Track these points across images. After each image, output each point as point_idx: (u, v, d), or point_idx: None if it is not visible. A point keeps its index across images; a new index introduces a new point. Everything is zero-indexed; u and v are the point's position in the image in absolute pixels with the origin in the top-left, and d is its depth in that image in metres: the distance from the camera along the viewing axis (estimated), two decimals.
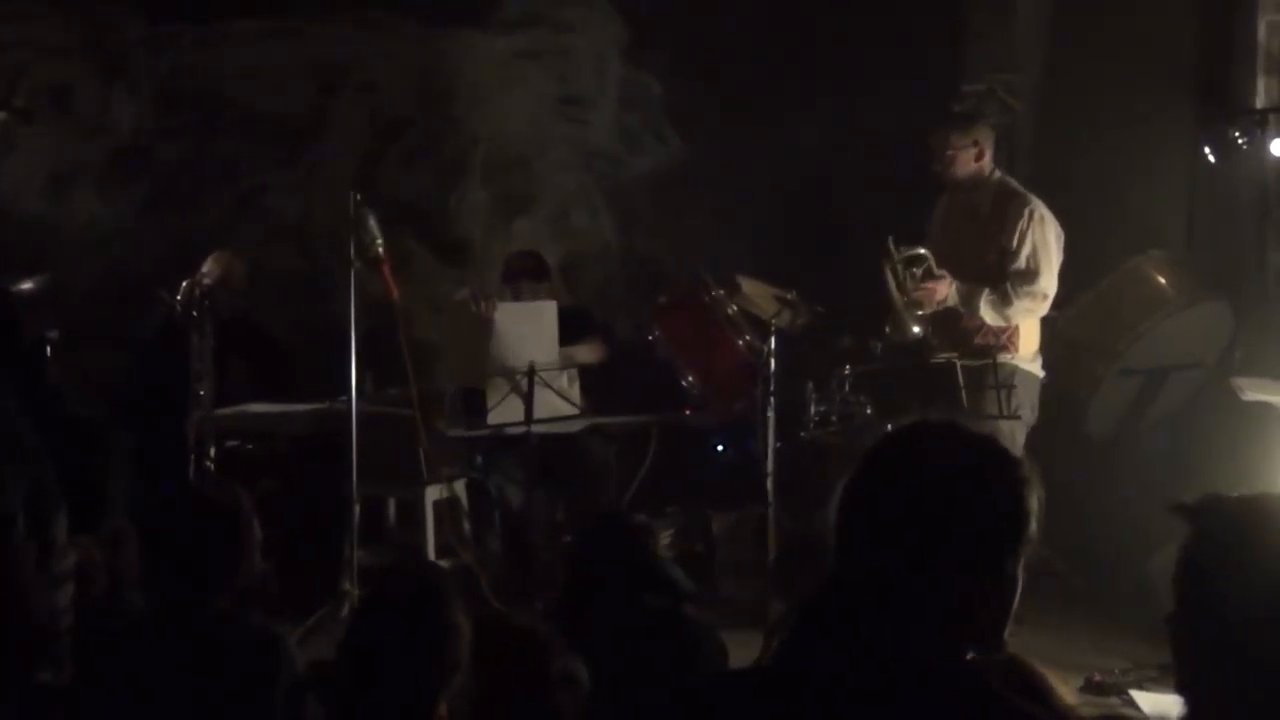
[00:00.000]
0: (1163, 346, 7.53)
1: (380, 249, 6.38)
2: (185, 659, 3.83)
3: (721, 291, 7.25)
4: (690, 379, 7.32)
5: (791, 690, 2.29)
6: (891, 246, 6.89)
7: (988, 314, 6.81)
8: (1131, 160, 8.08)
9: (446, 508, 7.34)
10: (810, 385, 7.23)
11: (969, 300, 6.81)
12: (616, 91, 9.97)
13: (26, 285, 6.81)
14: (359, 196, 6.41)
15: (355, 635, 3.62)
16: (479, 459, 7.57)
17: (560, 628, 3.62)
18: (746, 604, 6.78)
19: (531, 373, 7.10)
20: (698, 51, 9.32)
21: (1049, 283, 6.84)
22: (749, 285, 7.23)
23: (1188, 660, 2.48)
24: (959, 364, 6.77)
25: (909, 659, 2.24)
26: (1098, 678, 6.10)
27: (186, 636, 3.88)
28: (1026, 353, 6.91)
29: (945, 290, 6.84)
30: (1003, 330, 6.85)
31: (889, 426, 2.52)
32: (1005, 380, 6.73)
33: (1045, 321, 7.03)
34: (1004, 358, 6.81)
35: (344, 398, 6.48)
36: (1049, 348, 7.05)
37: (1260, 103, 7.70)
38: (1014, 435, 6.71)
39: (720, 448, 8.59)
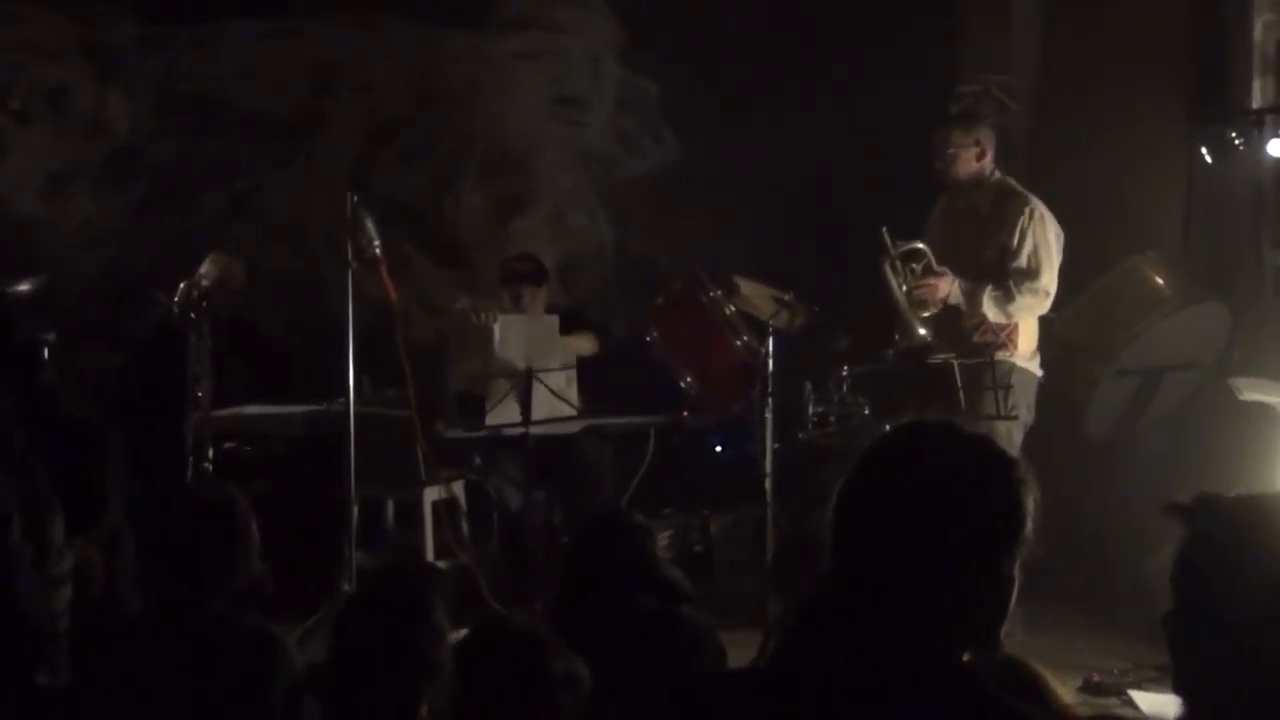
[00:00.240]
0: (1160, 347, 7.53)
1: (378, 250, 6.37)
2: (183, 660, 3.83)
3: (719, 292, 7.25)
4: (688, 380, 7.32)
5: (788, 691, 2.29)
6: (887, 239, 6.89)
7: (990, 310, 6.81)
8: (1128, 161, 8.09)
9: (445, 509, 7.34)
10: (808, 386, 7.24)
11: (972, 297, 6.81)
12: (613, 93, 9.97)
13: (23, 286, 6.80)
14: (356, 197, 6.40)
15: (338, 636, 3.63)
16: (477, 460, 7.57)
17: (558, 628, 3.62)
18: (744, 604, 6.77)
19: (529, 374, 7.10)
20: (694, 52, 9.32)
21: (1050, 280, 6.85)
22: (746, 286, 7.23)
23: (1186, 660, 2.49)
24: (956, 365, 6.77)
25: (905, 659, 2.24)
26: (1096, 678, 6.11)
27: (184, 637, 3.88)
28: (1025, 350, 6.92)
29: (947, 287, 6.84)
30: (1003, 328, 6.86)
31: (886, 427, 2.49)
32: (1003, 380, 6.73)
33: (1042, 322, 7.03)
34: (1003, 355, 6.82)
35: (341, 399, 6.48)
36: (1046, 348, 7.05)
37: (1256, 103, 7.71)
38: (1011, 435, 6.71)
39: (718, 448, 8.59)
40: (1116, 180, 8.08)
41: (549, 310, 7.74)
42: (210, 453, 7.01)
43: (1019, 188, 7.04)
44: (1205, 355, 7.63)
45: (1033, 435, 6.88)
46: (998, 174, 7.08)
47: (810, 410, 7.18)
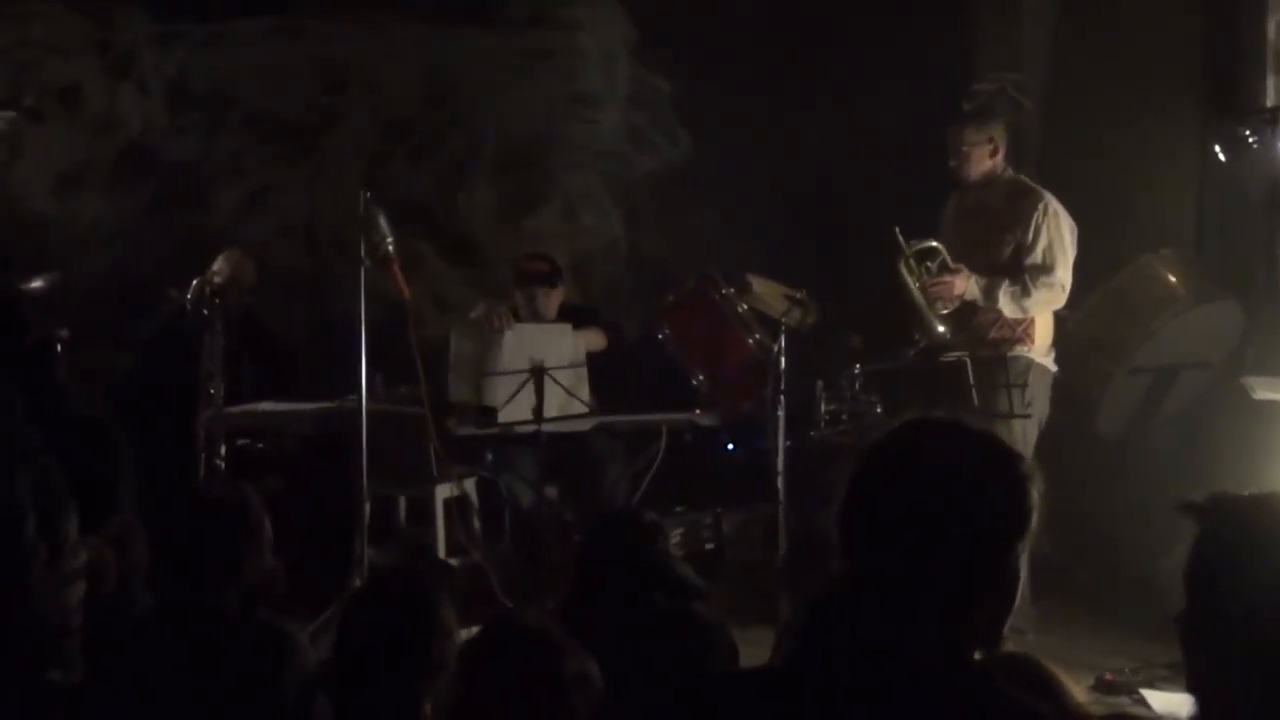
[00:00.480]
0: (1173, 345, 7.52)
1: (390, 248, 6.38)
2: (196, 657, 3.84)
3: (731, 290, 7.25)
4: (699, 378, 7.32)
5: (798, 690, 2.28)
6: (900, 238, 6.89)
7: (1007, 306, 6.81)
8: (1141, 159, 8.07)
9: (457, 506, 7.35)
10: (820, 384, 7.24)
11: (989, 293, 6.82)
12: (625, 90, 9.97)
13: (35, 284, 6.82)
14: (369, 195, 6.40)
15: (341, 632, 3.63)
16: (489, 457, 7.57)
17: (570, 627, 3.62)
18: (756, 603, 6.77)
19: (540, 371, 7.11)
20: (706, 50, 9.32)
21: (1065, 275, 6.85)
22: (759, 284, 7.23)
23: (1198, 659, 2.49)
24: (969, 362, 6.77)
25: (913, 658, 2.23)
26: (1108, 677, 6.10)
27: (197, 634, 3.89)
28: (1042, 346, 6.92)
29: (963, 284, 6.84)
30: (1019, 323, 6.86)
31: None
32: (1018, 377, 6.73)
33: (1056, 319, 7.03)
34: (1020, 350, 6.83)
35: (354, 396, 6.48)
36: (1059, 346, 7.05)
37: (1270, 101, 7.69)
38: (1026, 433, 6.71)
39: (730, 446, 8.59)
40: (1129, 178, 8.07)
41: (561, 308, 7.74)
42: (222, 450, 7.02)
43: (1032, 184, 7.04)
44: (1218, 354, 7.61)
45: (1045, 433, 6.88)
46: (1010, 171, 7.08)
47: (822, 408, 7.18)
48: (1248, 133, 7.26)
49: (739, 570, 7.67)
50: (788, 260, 7.83)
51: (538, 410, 7.11)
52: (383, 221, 6.37)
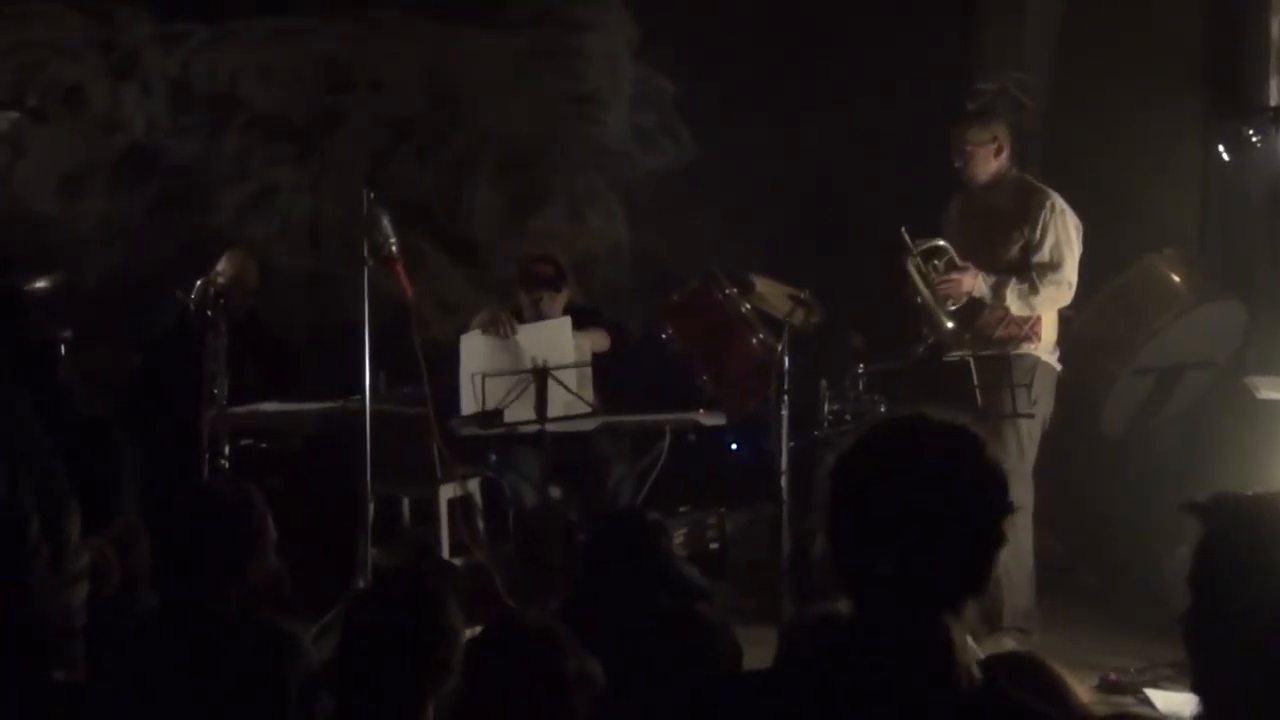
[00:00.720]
0: (1176, 345, 7.51)
1: (394, 248, 6.37)
2: (199, 657, 3.84)
3: (734, 290, 7.24)
4: (703, 378, 7.31)
5: (797, 692, 2.28)
6: (907, 238, 6.89)
7: (1014, 303, 6.81)
8: (1144, 158, 8.07)
9: (460, 506, 7.35)
10: (824, 384, 7.23)
11: (997, 290, 6.82)
12: (629, 90, 9.97)
13: (39, 284, 6.81)
14: (372, 194, 6.40)
15: (349, 633, 3.63)
16: (493, 457, 7.57)
17: (573, 626, 3.62)
18: (760, 603, 6.78)
19: (544, 370, 7.11)
20: (709, 51, 9.31)
21: (1072, 272, 6.85)
22: (762, 284, 7.22)
23: (1202, 659, 2.48)
24: (973, 362, 6.77)
25: (913, 659, 2.23)
26: (1112, 676, 6.10)
27: (200, 634, 3.88)
28: (1048, 343, 6.92)
29: (971, 281, 6.84)
30: (1026, 320, 6.85)
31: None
32: (1024, 376, 6.73)
33: (1060, 318, 7.02)
34: (1027, 348, 6.82)
35: (357, 396, 6.48)
36: (1063, 345, 7.04)
37: (1273, 100, 7.68)
38: (1030, 432, 6.71)
39: (733, 446, 8.59)
40: (1133, 178, 8.06)
41: (565, 310, 7.74)
42: (226, 450, 7.01)
43: (1038, 183, 7.04)
44: (1222, 353, 7.61)
45: (1049, 433, 6.87)
46: (1014, 170, 7.08)
47: (826, 408, 7.18)
48: (1251, 132, 7.27)
49: (743, 570, 7.67)
50: (790, 260, 7.82)
51: (541, 410, 7.11)
52: (386, 222, 6.36)
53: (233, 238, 8.80)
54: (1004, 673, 2.31)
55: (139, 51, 9.68)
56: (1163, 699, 5.72)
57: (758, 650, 4.31)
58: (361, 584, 6.29)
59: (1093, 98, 8.48)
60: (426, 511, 7.43)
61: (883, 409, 7.13)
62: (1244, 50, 7.95)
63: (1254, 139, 7.26)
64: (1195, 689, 2.51)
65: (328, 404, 7.33)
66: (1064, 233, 6.85)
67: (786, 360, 6.91)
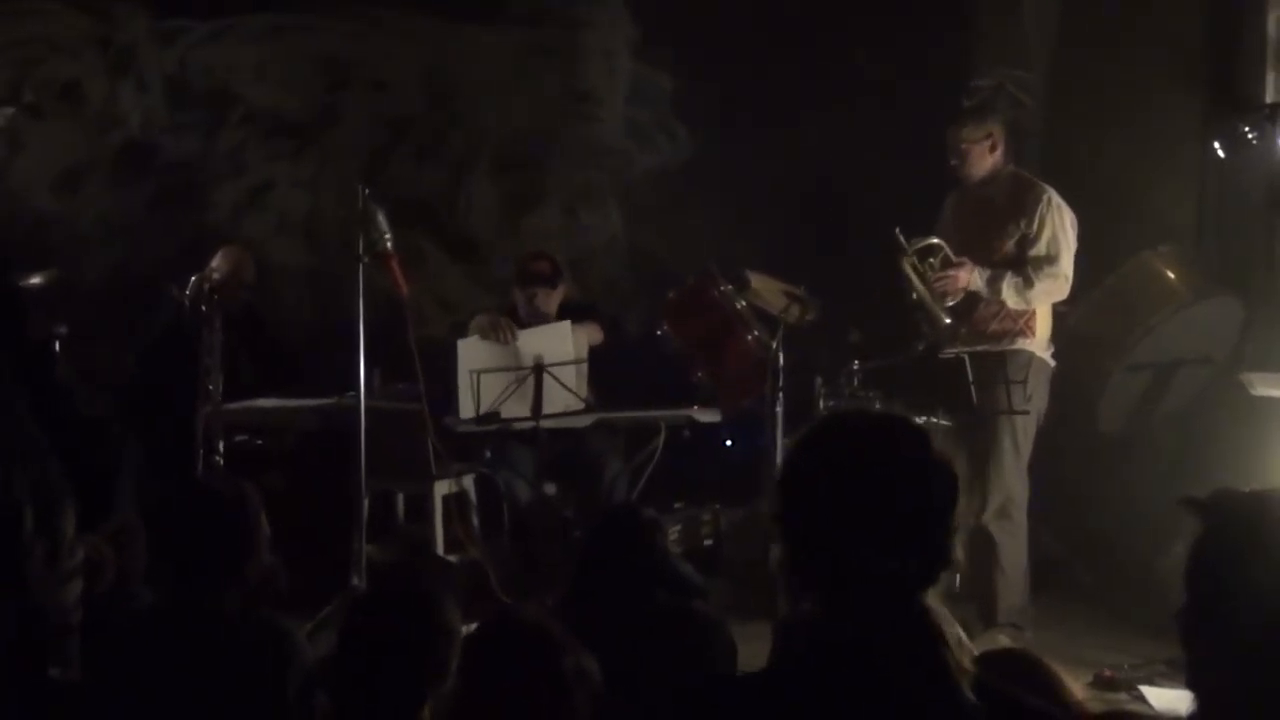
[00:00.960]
0: (1172, 341, 7.51)
1: (389, 244, 6.36)
2: (195, 654, 3.83)
3: (730, 286, 7.24)
4: (699, 374, 7.31)
5: (789, 692, 2.28)
6: (901, 239, 6.89)
7: (1010, 297, 6.80)
8: (1141, 155, 8.07)
9: (455, 503, 7.34)
10: (819, 380, 7.23)
11: (994, 284, 6.81)
12: (626, 88, 9.97)
13: (35, 281, 6.81)
14: (368, 191, 6.39)
15: (347, 631, 3.62)
16: (488, 454, 7.57)
17: (569, 623, 3.61)
18: (755, 599, 6.77)
19: (540, 368, 7.10)
20: (707, 49, 9.32)
21: (1068, 266, 6.85)
22: (758, 280, 7.22)
23: (1198, 656, 2.48)
24: (968, 359, 6.77)
25: (907, 656, 2.23)
26: (1107, 673, 6.09)
27: (195, 631, 3.88)
28: (1042, 338, 6.92)
29: (968, 276, 6.83)
30: (1021, 314, 6.85)
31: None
32: (1018, 372, 6.73)
33: (1055, 313, 7.02)
34: (1021, 343, 6.82)
35: (352, 393, 6.47)
36: (1058, 341, 7.04)
37: (1270, 97, 7.68)
38: (1025, 429, 6.71)
39: (729, 443, 8.59)
40: (1130, 175, 8.06)
41: (561, 305, 7.74)
42: (221, 446, 7.00)
43: (1033, 178, 7.04)
44: (1218, 350, 7.60)
45: (1044, 429, 6.87)
46: (1010, 166, 7.07)
47: (821, 405, 7.18)
48: (1248, 129, 7.26)
49: (738, 567, 7.66)
50: (787, 257, 7.82)
51: (536, 406, 7.11)
52: (381, 218, 6.35)
53: (230, 234, 8.79)
54: (998, 669, 2.31)
55: (136, 48, 9.68)
56: (1158, 696, 5.73)
57: (753, 646, 4.31)
58: (356, 580, 6.29)
59: (1089, 95, 8.48)
60: (421, 508, 7.42)
61: (877, 406, 7.14)
62: (1241, 47, 7.95)
63: (1251, 136, 7.25)
64: (1191, 686, 2.50)
65: (323, 400, 7.33)
66: (1060, 227, 6.85)
67: (781, 357, 6.90)
